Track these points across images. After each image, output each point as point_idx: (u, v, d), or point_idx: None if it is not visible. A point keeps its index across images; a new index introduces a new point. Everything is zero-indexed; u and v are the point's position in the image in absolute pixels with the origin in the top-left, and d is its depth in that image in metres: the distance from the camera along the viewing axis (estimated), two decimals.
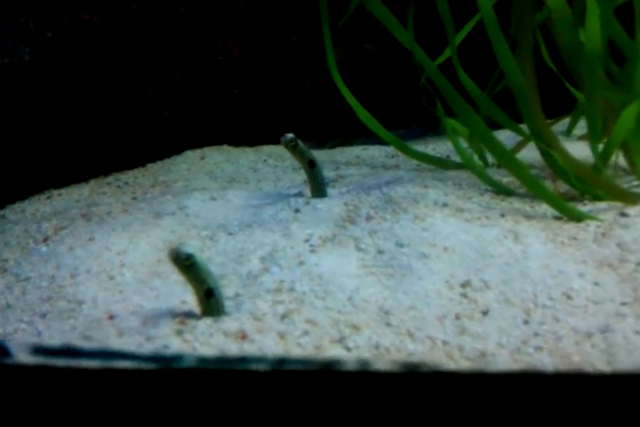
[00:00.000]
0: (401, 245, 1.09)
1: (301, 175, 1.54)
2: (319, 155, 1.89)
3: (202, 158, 1.73)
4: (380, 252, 1.08)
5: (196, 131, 1.92)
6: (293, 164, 1.70)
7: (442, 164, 1.57)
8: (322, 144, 2.17)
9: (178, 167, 1.67)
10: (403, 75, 2.07)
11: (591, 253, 1.09)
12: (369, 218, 1.18)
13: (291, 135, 1.29)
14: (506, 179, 1.44)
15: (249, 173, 1.63)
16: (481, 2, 1.35)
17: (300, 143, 1.30)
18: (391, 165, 1.63)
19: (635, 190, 1.34)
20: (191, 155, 1.75)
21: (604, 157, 1.36)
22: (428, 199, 1.22)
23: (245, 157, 1.78)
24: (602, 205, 1.27)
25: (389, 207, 1.20)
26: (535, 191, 1.23)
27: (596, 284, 1.01)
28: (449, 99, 1.33)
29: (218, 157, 1.73)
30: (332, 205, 1.24)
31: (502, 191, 1.33)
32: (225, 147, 1.85)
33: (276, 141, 2.16)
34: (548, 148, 1.33)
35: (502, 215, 1.20)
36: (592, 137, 1.33)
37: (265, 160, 1.76)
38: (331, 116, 2.15)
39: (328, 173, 1.57)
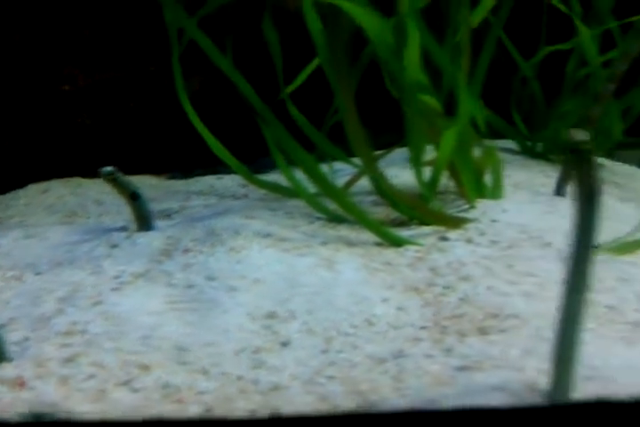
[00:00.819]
0: (211, 279, 1.07)
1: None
2: (178, 185, 1.87)
3: (44, 192, 1.68)
4: (189, 286, 1.06)
5: (44, 163, 1.86)
6: (149, 195, 1.68)
7: (287, 192, 1.58)
8: (188, 173, 2.16)
9: (17, 202, 1.62)
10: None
11: (402, 278, 1.10)
12: (186, 251, 1.17)
13: (109, 168, 1.27)
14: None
15: (93, 206, 1.59)
16: (316, 39, 1.37)
17: (121, 176, 1.28)
18: (240, 195, 1.62)
19: (463, 214, 1.39)
20: (34, 188, 1.70)
21: (432, 182, 1.40)
22: (250, 230, 1.22)
23: (95, 188, 1.74)
24: (426, 229, 1.30)
25: (209, 240, 1.19)
26: (356, 217, 1.25)
27: (400, 309, 1.03)
28: (274, 131, 1.34)
29: (62, 190, 1.69)
30: (153, 239, 1.23)
31: (334, 219, 1.35)
32: (75, 179, 1.80)
33: (135, 171, 2.14)
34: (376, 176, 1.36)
35: (324, 243, 1.21)
36: (415, 164, 1.36)
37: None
38: (197, 145, 2.14)
39: (174, 203, 1.55)
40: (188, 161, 2.14)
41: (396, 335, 0.97)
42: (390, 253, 1.18)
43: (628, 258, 1.28)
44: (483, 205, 1.41)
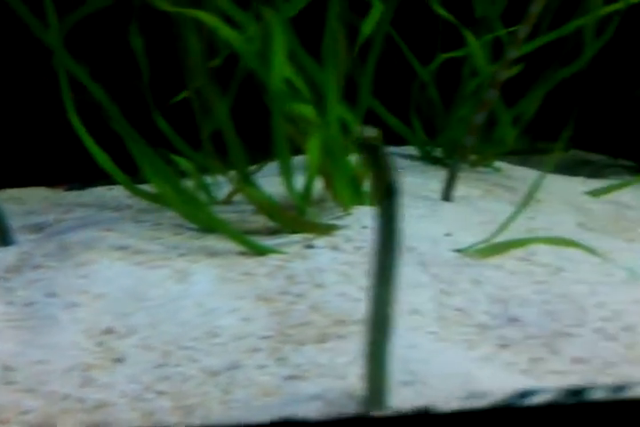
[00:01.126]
0: (52, 295, 1.05)
1: (23, 221, 1.48)
2: (69, 197, 1.84)
3: None
4: (28, 304, 1.04)
5: None
6: (31, 208, 1.65)
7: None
8: (88, 185, 2.13)
9: None
10: None
11: (255, 288, 1.10)
12: (36, 267, 1.15)
13: None
14: (227, 215, 1.46)
15: None
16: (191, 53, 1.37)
17: None
18: (124, 206, 1.60)
19: (337, 221, 1.39)
20: None
21: (305, 190, 1.40)
22: (105, 243, 1.20)
23: None
24: (296, 237, 1.30)
25: (61, 254, 1.17)
26: (216, 227, 1.24)
27: (246, 319, 1.02)
28: (133, 145, 1.31)
29: None
30: (7, 255, 1.20)
31: (205, 229, 1.34)
32: None
33: (31, 184, 2.10)
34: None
35: (183, 255, 1.20)
36: (283, 173, 1.36)
37: None
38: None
39: (51, 216, 1.52)
40: (91, 172, 2.12)
41: (236, 347, 0.96)
42: (252, 263, 1.18)
43: (493, 260, 1.30)
44: (358, 211, 1.42)
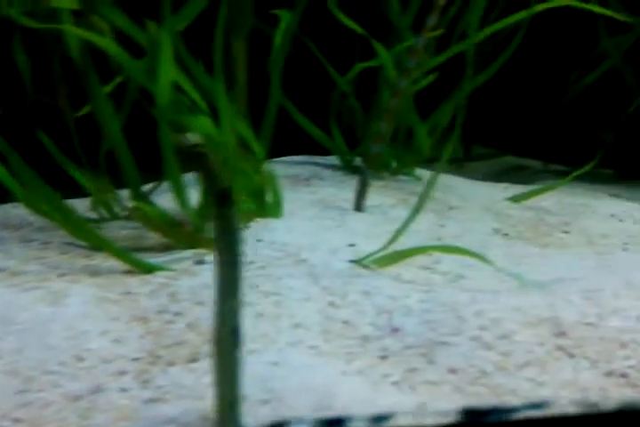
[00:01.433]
0: None
1: None
2: None
3: None
4: None
5: None
6: None
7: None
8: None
9: None
10: None
11: (133, 308, 1.08)
12: None
13: None
14: (125, 232, 1.43)
15: None
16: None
17: None
18: (25, 223, 1.56)
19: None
20: None
21: (202, 205, 1.38)
22: None
23: None
24: (188, 253, 1.28)
25: None
26: (99, 245, 1.22)
27: (117, 341, 1.00)
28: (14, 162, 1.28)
29: None
30: None
31: (96, 247, 1.31)
32: None
33: None
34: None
35: (63, 275, 1.17)
36: (174, 189, 1.34)
37: None
38: None
39: None
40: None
41: (103, 370, 0.93)
42: (135, 282, 1.15)
43: (393, 270, 1.30)
44: (257, 225, 1.41)
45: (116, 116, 1.38)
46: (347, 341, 1.03)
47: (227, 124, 1.34)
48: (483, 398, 0.89)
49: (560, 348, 0.95)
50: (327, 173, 2.09)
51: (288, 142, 2.23)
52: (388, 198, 1.83)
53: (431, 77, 1.95)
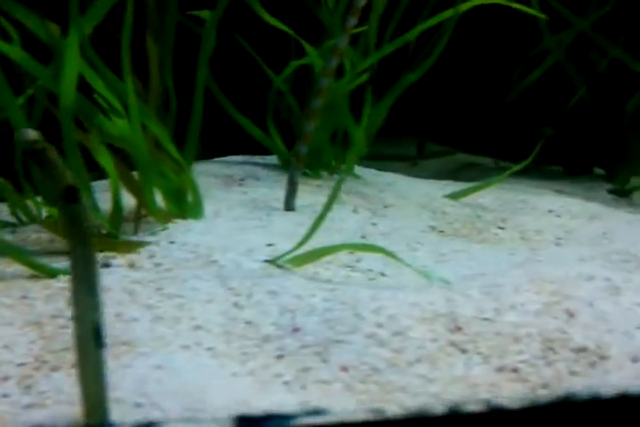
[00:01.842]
0: None
1: None
2: None
3: None
4: None
5: None
6: None
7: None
8: None
9: None
10: None
11: (28, 313, 1.06)
12: None
13: None
14: (38, 236, 1.42)
15: None
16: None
17: None
18: None
19: (151, 237, 1.36)
20: None
21: (115, 206, 1.37)
22: None
23: None
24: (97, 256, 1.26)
25: None
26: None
27: (6, 346, 0.98)
28: None
29: None
30: None
31: (8, 253, 1.29)
32: None
33: None
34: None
35: None
36: (82, 188, 1.33)
37: None
38: None
39: None
40: None
41: None
42: (35, 286, 1.14)
43: (311, 268, 1.30)
44: (175, 225, 1.40)
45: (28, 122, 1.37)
46: (246, 341, 1.02)
47: (136, 125, 1.33)
48: (372, 395, 0.88)
49: (453, 343, 0.95)
50: (264, 172, 2.09)
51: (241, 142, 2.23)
52: (321, 197, 1.83)
53: (364, 77, 1.96)
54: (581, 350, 0.90)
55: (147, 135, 1.40)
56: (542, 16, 1.80)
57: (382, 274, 1.34)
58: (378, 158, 3.17)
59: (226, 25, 2.13)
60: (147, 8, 1.56)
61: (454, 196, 2.03)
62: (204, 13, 1.66)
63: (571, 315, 0.99)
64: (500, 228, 1.89)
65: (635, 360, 0.87)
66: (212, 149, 2.38)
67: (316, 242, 1.41)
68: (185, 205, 1.46)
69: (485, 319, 0.99)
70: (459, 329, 0.97)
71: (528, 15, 2.46)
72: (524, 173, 2.86)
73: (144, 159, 1.35)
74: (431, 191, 2.10)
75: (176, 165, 1.44)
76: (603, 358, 0.88)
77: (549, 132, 2.30)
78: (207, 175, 1.95)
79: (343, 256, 1.41)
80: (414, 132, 3.14)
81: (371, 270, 1.36)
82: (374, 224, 1.70)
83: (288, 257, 1.29)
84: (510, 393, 0.85)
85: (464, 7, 1.79)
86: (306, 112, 1.69)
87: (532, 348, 0.92)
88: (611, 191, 2.36)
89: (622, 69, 2.34)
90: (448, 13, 1.81)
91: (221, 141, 2.35)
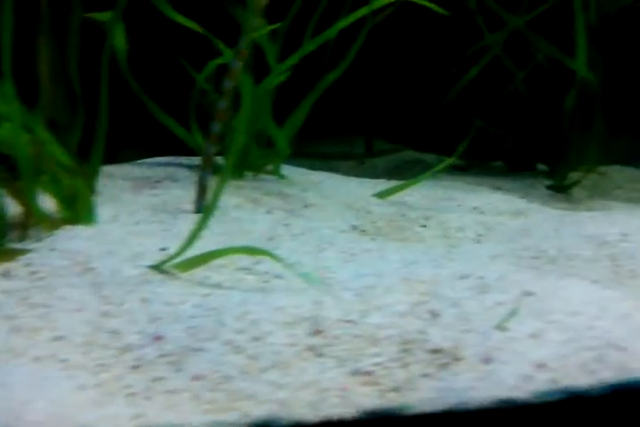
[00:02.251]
0: None
1: None
2: None
3: None
4: None
5: None
6: None
7: None
8: None
9: None
10: None
11: None
12: None
13: None
14: None
15: None
16: None
17: None
18: None
19: (37, 244, 1.33)
20: None
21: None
22: None
23: None
24: None
25: None
26: None
27: None
28: None
29: None
30: None
31: None
32: None
33: None
34: None
35: None
36: None
37: None
38: None
39: None
40: None
41: None
42: None
43: (199, 273, 1.27)
44: (64, 232, 1.36)
45: None
46: (106, 352, 0.99)
47: (17, 130, 1.29)
48: (217, 405, 0.86)
49: (311, 348, 0.92)
50: (185, 173, 2.05)
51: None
52: (236, 199, 1.80)
53: (282, 77, 1.93)
54: (437, 351, 0.88)
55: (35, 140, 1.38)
56: (443, 11, 1.79)
57: (278, 277, 1.32)
58: (326, 157, 3.17)
59: (144, 24, 2.12)
60: (40, 8, 1.54)
61: (381, 194, 2.01)
62: (104, 15, 1.63)
63: (435, 315, 0.96)
64: (423, 226, 1.87)
65: (486, 362, 0.84)
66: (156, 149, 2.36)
67: (216, 245, 1.39)
68: (78, 210, 1.43)
69: (349, 322, 0.96)
70: (319, 333, 0.95)
71: (469, 12, 2.47)
72: (465, 169, 2.87)
73: (27, 164, 1.31)
74: (360, 190, 2.08)
75: (73, 170, 1.41)
76: (456, 359, 0.86)
77: (479, 123, 2.28)
78: (122, 178, 1.92)
79: (242, 259, 1.38)
80: (364, 130, 3.14)
81: (267, 273, 1.34)
82: (287, 225, 1.68)
83: (175, 262, 1.26)
84: (361, 398, 0.83)
85: (377, 4, 1.77)
86: (213, 113, 1.66)
87: (389, 350, 0.90)
88: (549, 187, 2.35)
89: (562, 66, 2.33)
90: (363, 11, 1.79)
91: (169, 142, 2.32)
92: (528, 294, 1.01)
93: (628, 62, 2.63)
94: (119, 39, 1.79)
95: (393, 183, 2.14)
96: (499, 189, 2.41)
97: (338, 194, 1.99)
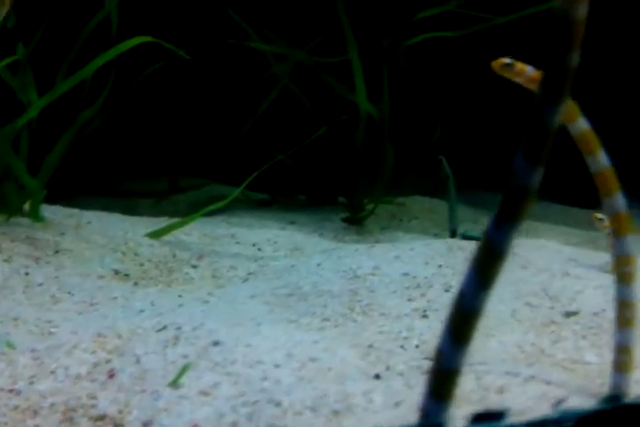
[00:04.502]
0: None
1: None
2: None
3: None
4: None
5: None
6: None
7: None
8: None
9: None
10: None
11: None
12: None
13: None
14: None
15: None
16: None
17: None
18: None
19: None
20: None
21: None
22: None
23: None
24: None
25: None
26: None
27: None
28: None
29: None
30: None
31: None
32: None
33: None
34: None
35: None
36: None
37: None
38: None
39: None
40: None
41: None
42: None
43: None
44: None
45: None
46: None
47: None
48: None
49: None
50: None
51: None
52: None
53: (30, 114, 1.81)
54: (101, 418, 0.79)
55: None
56: (183, 54, 1.77)
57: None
58: (128, 195, 3.05)
59: None
60: None
61: (154, 234, 1.92)
62: None
63: (111, 376, 0.87)
64: (194, 266, 1.80)
65: (145, 426, 0.76)
66: None
67: None
68: None
69: (12, 391, 0.85)
70: None
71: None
72: (271, 205, 2.84)
73: None
74: (133, 230, 1.98)
75: None
76: (117, 425, 0.77)
77: (280, 157, 2.25)
78: None
79: None
80: (170, 168, 3.06)
81: None
82: (27, 274, 1.54)
83: None
84: None
85: (124, 47, 1.70)
86: None
87: (50, 420, 0.80)
88: (344, 220, 2.35)
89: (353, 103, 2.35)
90: (115, 51, 1.72)
91: None
92: (216, 343, 0.94)
93: (418, 98, 2.73)
94: None
95: (173, 221, 2.06)
96: (292, 223, 2.40)
97: (105, 236, 1.88)
